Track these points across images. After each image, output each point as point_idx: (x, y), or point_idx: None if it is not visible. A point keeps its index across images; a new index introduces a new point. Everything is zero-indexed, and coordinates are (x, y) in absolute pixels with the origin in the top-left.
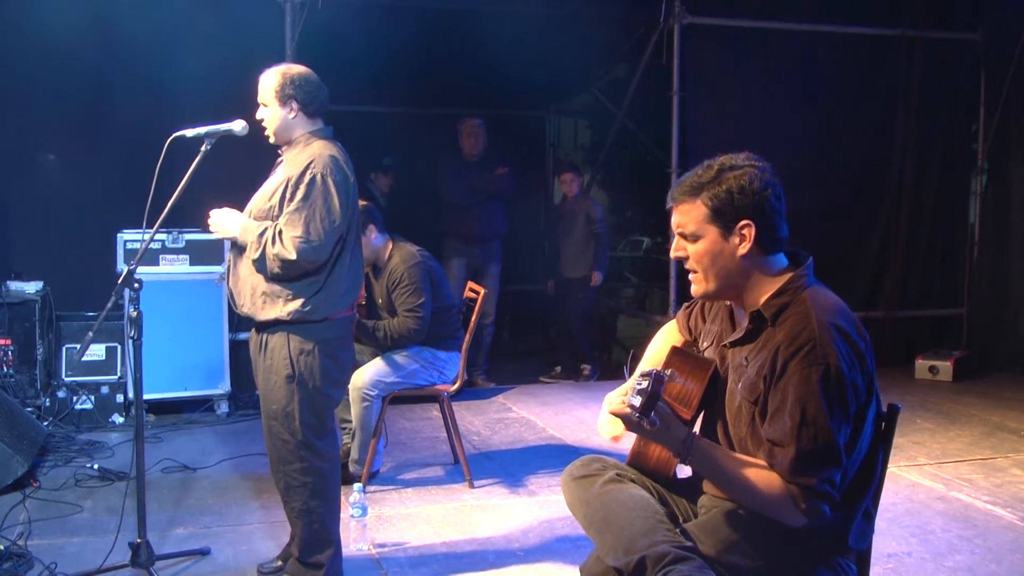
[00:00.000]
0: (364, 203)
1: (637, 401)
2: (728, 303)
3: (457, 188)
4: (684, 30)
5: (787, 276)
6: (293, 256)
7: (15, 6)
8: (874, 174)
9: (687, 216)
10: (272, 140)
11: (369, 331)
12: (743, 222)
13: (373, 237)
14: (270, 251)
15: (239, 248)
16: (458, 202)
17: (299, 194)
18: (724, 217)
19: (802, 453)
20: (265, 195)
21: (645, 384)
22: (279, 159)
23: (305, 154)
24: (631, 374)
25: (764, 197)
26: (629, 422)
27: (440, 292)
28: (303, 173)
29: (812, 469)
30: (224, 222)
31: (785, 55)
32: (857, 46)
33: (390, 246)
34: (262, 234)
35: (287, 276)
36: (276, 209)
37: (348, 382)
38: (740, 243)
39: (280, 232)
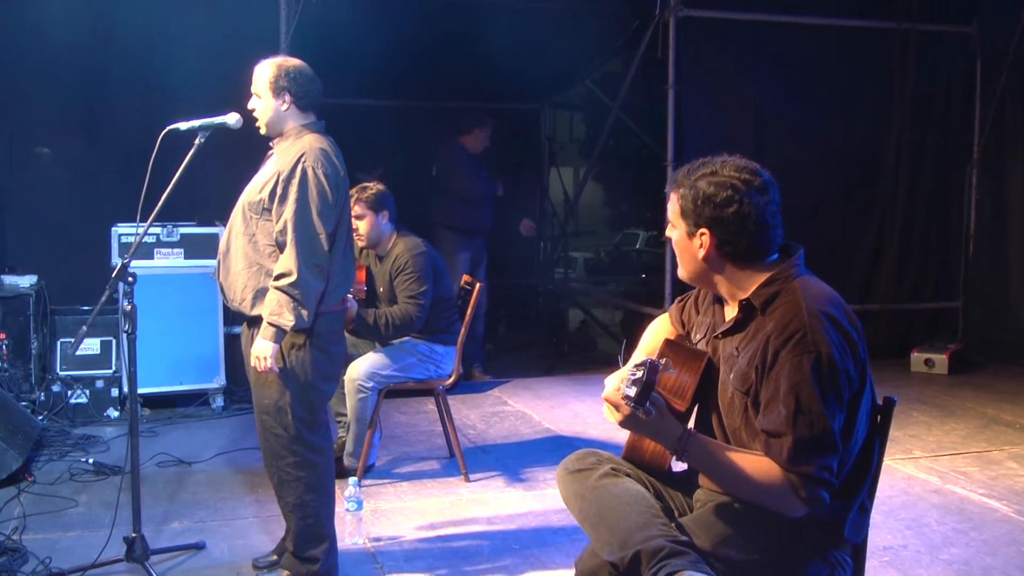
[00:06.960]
0: (383, 188)
1: (632, 391)
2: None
3: (480, 183)
4: (679, 23)
5: (777, 267)
6: (295, 276)
7: (10, 1)
8: (869, 167)
9: (671, 204)
10: (263, 131)
11: (369, 324)
12: (701, 229)
13: (384, 222)
14: (282, 295)
15: (228, 240)
16: (480, 197)
17: (291, 191)
18: (688, 218)
19: (799, 441)
20: (256, 188)
21: (640, 374)
22: (270, 152)
23: (296, 147)
24: (625, 363)
25: (727, 212)
26: (625, 419)
27: (440, 283)
28: (293, 167)
29: (810, 457)
30: (263, 350)
31: (780, 48)
32: (852, 39)
33: (394, 236)
34: (272, 306)
35: (313, 286)
36: (266, 202)
37: (340, 376)
38: (699, 247)
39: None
